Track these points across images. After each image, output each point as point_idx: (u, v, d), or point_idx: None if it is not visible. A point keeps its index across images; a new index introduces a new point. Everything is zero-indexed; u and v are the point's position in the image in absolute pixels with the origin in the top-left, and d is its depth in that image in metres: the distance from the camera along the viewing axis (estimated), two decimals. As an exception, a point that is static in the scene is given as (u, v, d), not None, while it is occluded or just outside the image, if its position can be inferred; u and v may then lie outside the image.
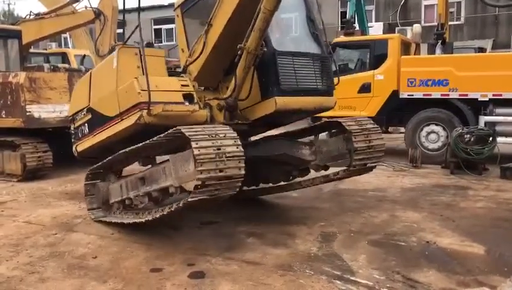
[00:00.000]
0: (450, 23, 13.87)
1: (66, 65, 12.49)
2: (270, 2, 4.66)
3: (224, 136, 4.33)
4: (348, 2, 14.42)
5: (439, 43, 10.74)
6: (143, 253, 4.87)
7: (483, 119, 9.46)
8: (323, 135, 6.30)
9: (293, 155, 5.85)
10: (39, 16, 10.92)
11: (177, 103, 5.16)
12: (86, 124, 6.08)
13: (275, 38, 5.40)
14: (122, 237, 5.36)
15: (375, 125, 5.93)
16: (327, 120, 6.15)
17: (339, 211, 6.38)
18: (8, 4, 56.53)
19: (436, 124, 9.90)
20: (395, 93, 10.24)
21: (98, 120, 5.79)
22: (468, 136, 8.74)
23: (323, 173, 6.22)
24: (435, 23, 11.71)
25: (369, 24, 14.30)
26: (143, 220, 5.07)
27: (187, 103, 5.26)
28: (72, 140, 6.50)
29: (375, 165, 6.05)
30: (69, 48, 17.11)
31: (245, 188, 6.33)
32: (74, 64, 14.15)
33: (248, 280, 4.14)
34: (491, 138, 8.73)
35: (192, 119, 5.18)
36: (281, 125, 5.90)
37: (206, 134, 4.27)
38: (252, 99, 5.50)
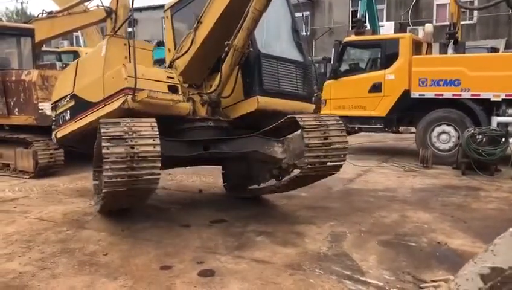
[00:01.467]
0: (463, 22, 13.74)
1: (78, 63, 12.57)
2: (260, 3, 4.89)
3: (142, 136, 4.44)
4: (359, 1, 14.34)
5: (451, 43, 10.67)
6: (153, 250, 4.89)
7: (495, 119, 9.37)
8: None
9: (265, 153, 5.61)
10: (51, 15, 10.99)
11: (162, 92, 5.30)
12: (68, 111, 6.16)
13: (261, 41, 5.65)
14: (133, 234, 5.39)
15: (339, 122, 5.47)
16: (287, 117, 5.52)
17: (349, 211, 6.36)
18: (21, 3, 57.16)
19: (448, 125, 9.82)
20: (406, 93, 10.18)
21: (81, 106, 5.87)
22: (480, 136, 8.65)
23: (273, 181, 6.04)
24: (447, 23, 11.61)
25: (380, 23, 14.26)
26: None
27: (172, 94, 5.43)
28: (52, 127, 6.58)
29: (338, 165, 5.53)
30: (80, 46, 17.25)
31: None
32: (86, 62, 14.24)
33: (257, 279, 4.14)
34: (503, 139, 8.64)
35: (175, 110, 5.38)
36: (260, 127, 5.83)
37: (123, 131, 4.39)
38: (234, 98, 5.73)
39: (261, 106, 5.52)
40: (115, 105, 5.22)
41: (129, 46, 5.36)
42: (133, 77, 5.02)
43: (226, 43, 5.18)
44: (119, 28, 5.96)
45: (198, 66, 5.77)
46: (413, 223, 5.80)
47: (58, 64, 10.54)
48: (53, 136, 6.52)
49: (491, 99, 9.38)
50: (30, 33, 10.28)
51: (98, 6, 10.39)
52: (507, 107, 9.33)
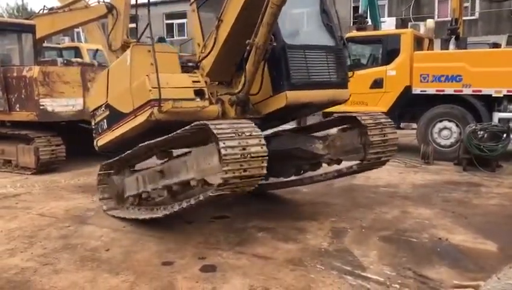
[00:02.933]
0: (464, 18, 13.69)
1: (79, 59, 12.58)
2: None
3: (250, 135, 4.33)
4: (361, -3, 14.29)
5: (453, 39, 10.62)
6: (155, 246, 4.91)
7: (497, 115, 9.35)
8: (334, 130, 6.29)
9: (307, 149, 5.86)
10: (52, 11, 10.99)
11: (187, 99, 5.18)
12: (105, 120, 6.15)
13: (286, 32, 5.38)
14: (134, 230, 5.41)
15: (389, 120, 5.92)
16: (341, 115, 6.15)
17: (350, 207, 6.36)
18: (22, -1, 56.97)
19: (449, 120, 9.80)
20: (407, 89, 10.15)
21: (115, 116, 5.85)
22: (482, 132, 8.64)
23: (335, 167, 6.21)
24: (449, 18, 11.58)
25: (382, 19, 14.16)
26: (160, 215, 5.11)
27: (198, 99, 5.28)
28: (93, 135, 6.58)
29: (389, 159, 6.03)
30: (81, 42, 17.22)
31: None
32: (87, 58, 14.23)
33: (259, 274, 4.16)
34: (505, 135, 8.62)
35: (204, 115, 5.22)
36: (294, 119, 5.94)
37: (233, 132, 4.26)
38: (263, 94, 5.51)
39: (290, 101, 5.31)
40: (143, 117, 5.21)
41: (153, 53, 5.14)
42: (157, 87, 4.95)
43: (247, 41, 4.97)
44: (141, 35, 5.77)
45: (224, 64, 5.61)
46: (414, 219, 5.80)
47: (59, 60, 10.49)
48: (95, 143, 6.54)
49: (493, 95, 9.36)
50: (31, 29, 10.26)
51: (98, 2, 10.40)
52: (509, 103, 9.31)
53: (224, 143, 4.14)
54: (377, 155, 5.73)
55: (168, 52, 5.64)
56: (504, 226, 5.58)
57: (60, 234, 5.34)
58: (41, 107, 8.68)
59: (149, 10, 5.24)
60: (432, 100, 9.97)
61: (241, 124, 4.45)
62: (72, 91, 9.05)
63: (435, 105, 9.94)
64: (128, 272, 4.25)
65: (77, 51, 15.24)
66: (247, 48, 5.01)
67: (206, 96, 5.36)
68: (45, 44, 13.29)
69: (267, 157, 4.34)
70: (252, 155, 4.23)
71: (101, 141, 6.34)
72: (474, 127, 8.75)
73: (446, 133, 9.83)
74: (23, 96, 8.92)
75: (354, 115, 5.80)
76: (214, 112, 5.40)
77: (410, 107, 10.39)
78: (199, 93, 5.32)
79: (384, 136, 5.67)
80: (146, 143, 5.19)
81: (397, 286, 3.94)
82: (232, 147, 4.15)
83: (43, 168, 8.89)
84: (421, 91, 10.01)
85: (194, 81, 5.39)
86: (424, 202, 6.60)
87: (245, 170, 4.22)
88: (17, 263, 4.50)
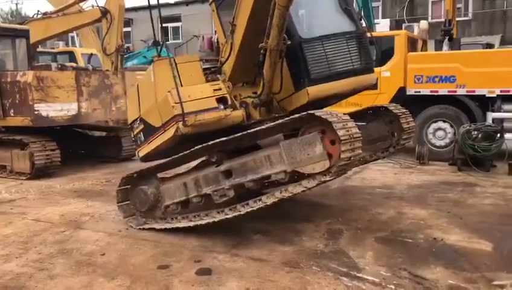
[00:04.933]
0: (458, 19, 13.80)
1: (74, 64, 12.58)
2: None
3: (346, 119, 4.51)
4: (354, -1, 14.36)
5: (447, 40, 10.67)
6: (150, 250, 4.90)
7: (490, 115, 9.39)
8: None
9: None
10: (46, 15, 11.00)
11: (210, 109, 5.21)
12: (141, 133, 6.20)
13: (301, 26, 5.33)
14: (130, 234, 5.40)
15: (407, 110, 6.64)
16: (362, 108, 6.87)
17: (346, 208, 6.38)
18: (16, 4, 56.92)
19: (444, 121, 9.84)
20: (401, 90, 10.19)
21: (149, 129, 5.90)
22: (476, 132, 8.67)
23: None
24: (442, 19, 11.63)
25: (376, 21, 14.25)
26: (230, 216, 4.92)
27: (221, 106, 5.29)
28: (134, 146, 6.67)
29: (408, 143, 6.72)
30: (76, 46, 17.22)
31: None
32: (81, 62, 14.25)
33: (255, 277, 4.16)
34: (498, 135, 8.66)
35: (229, 121, 5.30)
36: (323, 106, 6.00)
37: (335, 117, 4.42)
38: (286, 91, 5.53)
39: (313, 96, 5.29)
40: (170, 132, 5.28)
41: (175, 65, 5.22)
42: (179, 102, 5.04)
43: (260, 45, 5.00)
44: (161, 49, 5.73)
45: (245, 66, 5.58)
46: (409, 219, 5.82)
47: (54, 65, 10.48)
48: (137, 155, 6.56)
49: (486, 95, 9.41)
50: (25, 34, 10.25)
51: (93, 6, 10.42)
52: (502, 103, 9.35)
53: (337, 126, 4.29)
54: (407, 140, 6.49)
55: (189, 62, 5.59)
56: (499, 225, 5.60)
57: (56, 239, 5.32)
58: (35, 112, 8.65)
59: (160, 19, 5.43)
60: (426, 101, 10.01)
61: (334, 112, 4.60)
62: (67, 96, 9.03)
63: (429, 106, 9.98)
64: (124, 277, 4.25)
65: (72, 56, 15.25)
66: (261, 51, 5.04)
67: (229, 102, 5.35)
68: (39, 49, 13.28)
69: (361, 138, 4.54)
70: (355, 136, 4.41)
71: (141, 153, 6.35)
72: (468, 127, 8.78)
73: (441, 133, 9.87)
74: (17, 101, 8.89)
75: (384, 105, 6.52)
76: (239, 117, 5.42)
77: (404, 108, 10.41)
78: (222, 100, 5.32)
79: (409, 123, 6.44)
80: (211, 143, 4.98)
81: (392, 286, 3.95)
82: (345, 129, 4.34)
83: (38, 173, 8.86)
84: (415, 92, 10.05)
85: (215, 90, 5.37)
86: (419, 202, 6.62)
87: (353, 150, 4.41)
88: (12, 268, 4.49)
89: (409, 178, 8.31)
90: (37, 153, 8.77)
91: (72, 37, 21.04)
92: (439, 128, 9.87)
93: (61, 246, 5.07)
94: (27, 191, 7.94)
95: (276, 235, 5.25)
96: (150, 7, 5.58)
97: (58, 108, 8.92)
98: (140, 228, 5.56)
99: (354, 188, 7.57)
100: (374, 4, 19.54)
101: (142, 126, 6.13)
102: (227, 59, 5.57)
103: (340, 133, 4.27)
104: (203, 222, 5.10)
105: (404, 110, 6.53)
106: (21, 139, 8.97)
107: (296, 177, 4.76)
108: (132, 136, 6.62)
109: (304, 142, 4.51)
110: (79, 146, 10.99)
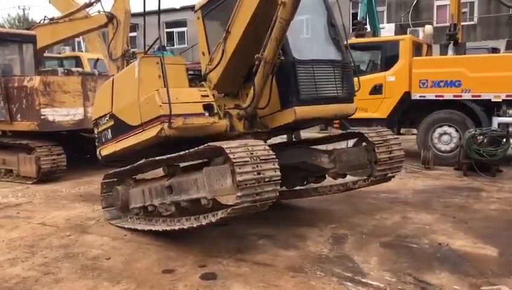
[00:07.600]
0: (463, 23, 13.75)
1: (80, 69, 12.63)
2: (285, 12, 4.61)
3: (265, 160, 4.34)
4: (359, 3, 14.37)
5: (452, 44, 10.66)
6: (155, 254, 4.92)
7: (496, 120, 9.37)
8: (341, 144, 6.39)
9: (312, 163, 5.92)
10: (53, 21, 11.07)
11: (197, 114, 5.15)
12: (109, 130, 6.09)
13: (295, 46, 5.32)
14: (135, 239, 5.42)
15: (396, 136, 6.06)
16: (348, 131, 6.28)
17: (351, 213, 6.37)
18: (23, 9, 57.27)
19: (449, 126, 9.82)
20: (406, 95, 10.19)
21: (120, 127, 5.78)
22: (481, 137, 8.66)
23: (341, 181, 6.24)
24: (448, 24, 11.62)
25: (381, 25, 14.22)
26: (168, 228, 5.12)
27: (207, 114, 5.23)
28: (96, 144, 6.52)
29: (394, 175, 6.08)
30: (82, 51, 17.31)
31: None
32: (87, 68, 14.30)
33: (259, 282, 4.16)
34: (504, 139, 8.63)
35: (213, 130, 5.25)
36: (299, 129, 5.98)
37: (248, 157, 4.27)
38: (271, 108, 5.47)
39: (299, 116, 5.27)
40: (152, 132, 5.15)
41: (162, 65, 5.09)
42: (168, 103, 4.90)
43: (255, 56, 4.93)
44: (149, 48, 5.70)
45: (232, 76, 5.56)
46: (414, 224, 5.81)
47: (60, 70, 10.55)
48: (98, 153, 6.49)
49: (492, 100, 9.39)
50: (32, 39, 10.35)
51: (99, 12, 10.48)
52: (508, 108, 9.32)
53: (240, 169, 4.15)
54: (384, 172, 5.80)
55: (176, 64, 5.55)
56: (504, 231, 5.58)
57: (61, 243, 5.35)
58: (42, 117, 8.73)
59: (159, 21, 5.25)
60: (431, 106, 10.00)
61: (255, 146, 4.45)
62: (73, 101, 9.10)
63: (435, 110, 9.97)
64: (129, 281, 4.26)
65: (78, 61, 15.31)
66: (256, 62, 4.98)
67: (215, 110, 5.30)
68: (46, 54, 13.37)
69: (280, 181, 4.39)
70: (266, 180, 4.27)
71: (104, 151, 6.29)
72: (473, 132, 8.76)
73: (446, 138, 9.85)
74: (24, 106, 8.97)
75: (361, 131, 5.89)
76: (222, 126, 5.37)
77: (409, 112, 10.43)
78: (208, 108, 5.26)
79: (390, 153, 5.75)
80: (155, 158, 5.15)
81: (397, 291, 3.94)
82: (248, 173, 4.17)
83: (44, 177, 8.92)
84: (420, 97, 10.05)
85: (203, 96, 5.32)
86: (424, 207, 6.61)
87: (258, 194, 4.26)
88: (18, 272, 4.52)
89: (414, 183, 8.29)
90: (43, 157, 8.83)
91: (79, 42, 21.16)
92: (445, 133, 9.85)
93: (67, 250, 5.10)
94: (33, 195, 7.99)
95: (280, 240, 5.25)
96: (144, 13, 5.47)
97: (64, 113, 8.99)
98: (111, 223, 5.96)
99: (358, 193, 7.54)
100: (379, 9, 19.55)
101: (111, 123, 5.99)
102: (215, 66, 5.49)
103: (239, 177, 4.11)
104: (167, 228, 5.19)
105: (387, 138, 5.84)
106: (27, 143, 9.04)
107: (217, 205, 4.60)
108: (96, 132, 6.46)
109: (219, 172, 4.45)
110: (85, 151, 11.03)
